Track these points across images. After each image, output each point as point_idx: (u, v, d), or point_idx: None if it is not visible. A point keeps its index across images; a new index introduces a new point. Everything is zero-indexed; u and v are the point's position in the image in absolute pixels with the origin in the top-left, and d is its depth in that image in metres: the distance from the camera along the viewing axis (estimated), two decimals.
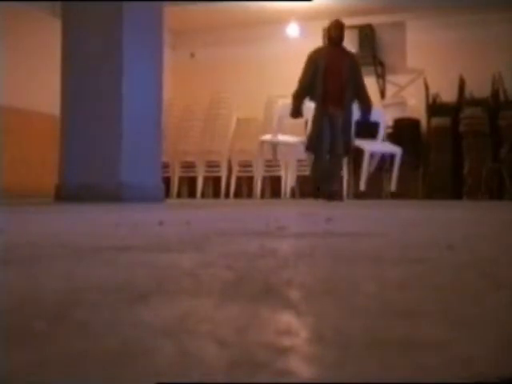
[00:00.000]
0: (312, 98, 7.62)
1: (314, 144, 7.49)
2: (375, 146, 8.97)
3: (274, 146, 9.18)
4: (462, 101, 9.40)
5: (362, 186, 8.70)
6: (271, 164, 9.58)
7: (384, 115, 9.18)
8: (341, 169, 7.86)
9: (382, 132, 9.13)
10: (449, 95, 9.47)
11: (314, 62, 7.53)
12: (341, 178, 7.66)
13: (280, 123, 9.17)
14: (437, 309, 0.67)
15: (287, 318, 0.61)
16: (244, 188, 10.17)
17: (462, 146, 9.13)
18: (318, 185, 7.52)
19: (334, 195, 7.30)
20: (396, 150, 8.89)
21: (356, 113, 7.75)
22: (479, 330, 0.56)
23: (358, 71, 7.64)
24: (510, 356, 0.48)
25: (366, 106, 7.65)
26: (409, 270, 0.99)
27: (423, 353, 0.47)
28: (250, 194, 10.03)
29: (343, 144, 7.52)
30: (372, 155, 8.87)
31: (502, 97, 9.31)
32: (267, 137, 9.19)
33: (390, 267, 1.01)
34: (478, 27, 9.57)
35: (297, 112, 7.61)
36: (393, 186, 8.89)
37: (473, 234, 1.89)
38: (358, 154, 8.62)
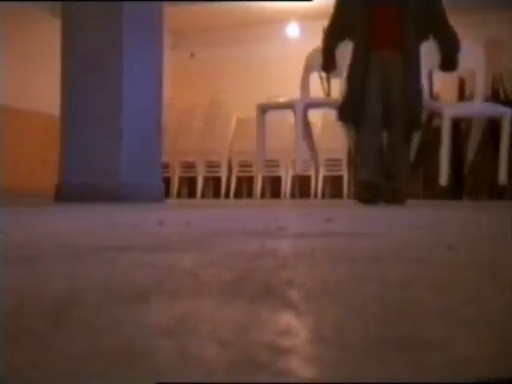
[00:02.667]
0: (352, 38, 4.82)
1: (352, 109, 4.67)
2: (463, 108, 5.56)
3: (304, 120, 5.83)
4: (462, 101, 9.41)
5: (443, 179, 5.60)
6: (271, 164, 9.57)
7: (483, 56, 5.73)
8: (405, 153, 4.86)
9: (480, 85, 5.73)
10: (449, 95, 9.47)
11: None
12: (406, 170, 4.95)
13: (307, 79, 6.02)
14: (437, 309, 0.67)
15: (287, 318, 0.61)
16: (244, 188, 10.17)
17: (462, 146, 9.13)
18: (364, 177, 4.71)
19: (391, 196, 4.69)
20: (503, 112, 5.59)
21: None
22: (479, 329, 0.56)
23: None
24: (510, 356, 0.48)
25: (449, 45, 4.77)
26: (409, 269, 0.99)
27: (423, 353, 0.47)
28: (250, 194, 10.03)
29: (408, 113, 4.62)
30: (457, 123, 5.40)
31: (502, 97, 9.32)
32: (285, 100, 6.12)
33: (390, 267, 1.01)
34: (477, 27, 9.57)
35: (330, 61, 5.03)
36: (502, 175, 5.57)
37: (473, 234, 1.89)
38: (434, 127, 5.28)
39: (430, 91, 5.24)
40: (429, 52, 4.82)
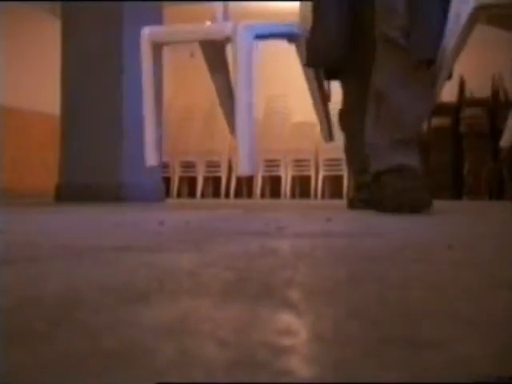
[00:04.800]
0: None
1: (330, 43, 2.93)
2: None
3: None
4: (462, 101, 9.41)
5: (506, 138, 3.34)
6: (271, 164, 9.57)
7: None
8: (426, 102, 3.09)
9: None
10: (449, 95, 9.48)
11: None
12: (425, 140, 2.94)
13: None
14: (436, 309, 0.67)
15: (287, 318, 0.61)
16: (244, 188, 10.17)
17: (462, 146, 9.14)
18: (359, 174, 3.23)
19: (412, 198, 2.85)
20: None
21: None
22: (479, 329, 0.56)
23: None
24: (510, 356, 0.48)
25: None
26: (409, 269, 0.99)
27: (423, 353, 0.47)
28: (250, 194, 10.04)
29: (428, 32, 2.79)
30: None
31: (501, 97, 9.32)
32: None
33: (390, 267, 1.01)
34: (477, 27, 9.57)
35: None
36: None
37: (473, 234, 1.89)
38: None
39: None
40: None
